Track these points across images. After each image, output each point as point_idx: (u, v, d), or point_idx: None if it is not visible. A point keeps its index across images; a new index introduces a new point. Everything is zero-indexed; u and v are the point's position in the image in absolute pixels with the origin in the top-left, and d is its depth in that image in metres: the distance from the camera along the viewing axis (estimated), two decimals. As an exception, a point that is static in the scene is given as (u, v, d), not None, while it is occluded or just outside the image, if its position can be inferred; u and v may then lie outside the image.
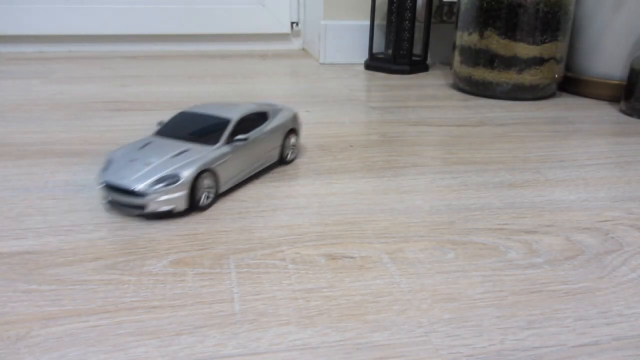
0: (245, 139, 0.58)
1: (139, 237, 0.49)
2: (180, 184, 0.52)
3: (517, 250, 0.48)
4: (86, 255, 0.46)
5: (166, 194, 0.51)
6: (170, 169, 0.52)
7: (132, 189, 0.51)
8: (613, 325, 0.39)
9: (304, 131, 0.80)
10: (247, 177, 0.61)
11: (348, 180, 0.63)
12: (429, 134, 0.81)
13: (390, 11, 1.25)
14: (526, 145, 0.77)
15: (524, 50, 0.99)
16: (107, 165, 0.54)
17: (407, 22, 1.22)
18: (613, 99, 1.03)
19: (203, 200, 0.54)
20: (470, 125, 0.86)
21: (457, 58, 1.08)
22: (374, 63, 1.28)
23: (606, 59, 1.01)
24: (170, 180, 0.52)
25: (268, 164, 0.64)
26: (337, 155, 0.71)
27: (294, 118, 0.68)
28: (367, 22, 1.33)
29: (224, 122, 0.59)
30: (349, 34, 1.33)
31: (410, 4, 1.20)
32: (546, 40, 0.99)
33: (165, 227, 0.51)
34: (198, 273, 0.44)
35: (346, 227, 0.52)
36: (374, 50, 1.33)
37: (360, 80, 1.17)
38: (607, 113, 0.95)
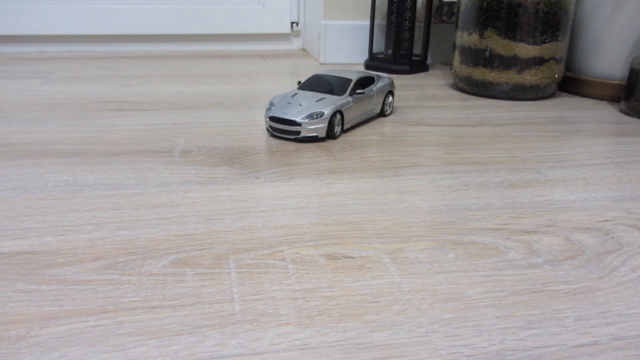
0: (362, 93, 0.81)
1: (139, 237, 0.49)
2: (323, 118, 0.74)
3: (517, 250, 0.48)
4: (86, 255, 0.46)
5: (314, 124, 0.74)
6: (316, 108, 0.75)
7: (292, 119, 0.74)
8: (613, 325, 0.39)
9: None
10: (359, 121, 0.84)
11: (348, 180, 0.63)
12: (429, 134, 0.81)
13: (390, 11, 1.25)
14: (526, 145, 0.77)
15: (524, 50, 0.99)
16: (270, 105, 0.77)
17: (407, 22, 1.22)
18: (613, 99, 1.03)
19: (336, 131, 0.77)
20: (470, 125, 0.86)
21: (457, 58, 1.08)
22: (374, 63, 1.28)
23: (606, 59, 1.01)
24: (317, 115, 0.74)
25: (373, 114, 0.87)
26: (337, 155, 0.71)
27: (392, 83, 0.90)
28: (367, 22, 1.33)
29: (348, 81, 0.81)
30: (349, 34, 1.33)
31: (410, 4, 1.20)
32: (546, 40, 0.99)
33: (165, 227, 0.51)
34: (198, 273, 0.44)
35: (346, 227, 0.52)
36: (374, 50, 1.33)
37: (360, 80, 1.17)
38: (607, 113, 0.95)
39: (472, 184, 0.63)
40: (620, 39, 0.99)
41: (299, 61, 1.37)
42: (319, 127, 0.74)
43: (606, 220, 0.55)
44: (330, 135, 0.76)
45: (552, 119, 0.90)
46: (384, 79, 0.89)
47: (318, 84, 0.82)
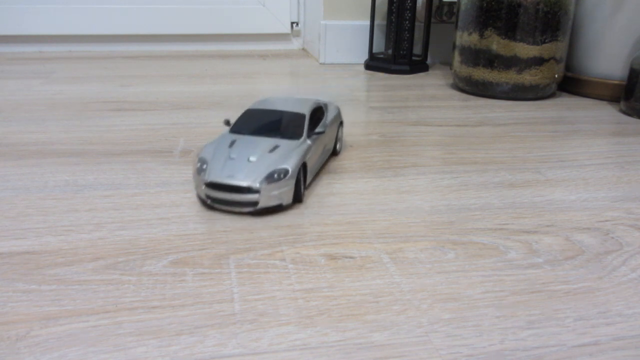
0: (322, 132, 0.60)
1: (139, 237, 0.49)
2: (289, 177, 0.53)
3: (517, 250, 0.48)
4: (86, 255, 0.46)
5: (277, 188, 0.53)
6: (274, 164, 0.54)
7: (244, 185, 0.52)
8: (613, 325, 0.39)
9: (304, 131, 0.80)
10: (317, 171, 0.63)
11: (348, 180, 0.63)
12: (429, 134, 0.81)
13: (390, 11, 1.25)
14: (526, 145, 0.77)
15: (524, 50, 0.99)
16: (203, 165, 0.55)
17: (407, 22, 1.22)
18: (613, 99, 1.03)
19: (303, 191, 0.57)
20: (470, 125, 0.86)
21: (457, 58, 1.08)
22: (374, 63, 1.28)
23: (606, 59, 1.01)
24: (279, 174, 0.53)
25: (327, 155, 0.67)
26: (337, 155, 0.71)
27: (340, 112, 0.71)
28: (367, 22, 1.33)
29: (300, 117, 0.61)
30: (349, 34, 1.33)
31: (410, 4, 1.20)
32: (546, 40, 0.99)
33: (165, 227, 0.51)
34: (198, 273, 0.44)
35: (346, 227, 0.52)
36: (374, 50, 1.33)
37: (360, 80, 1.17)
38: (607, 113, 0.95)
39: (472, 184, 0.63)
40: (620, 39, 0.99)
41: (299, 61, 1.37)
42: (284, 192, 0.53)
43: (606, 220, 0.55)
44: (297, 198, 0.56)
45: (552, 119, 0.90)
46: (331, 107, 0.70)
47: (259, 123, 0.61)
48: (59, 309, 0.39)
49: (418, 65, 1.26)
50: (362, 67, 1.31)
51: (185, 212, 0.54)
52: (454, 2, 1.35)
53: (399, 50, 1.23)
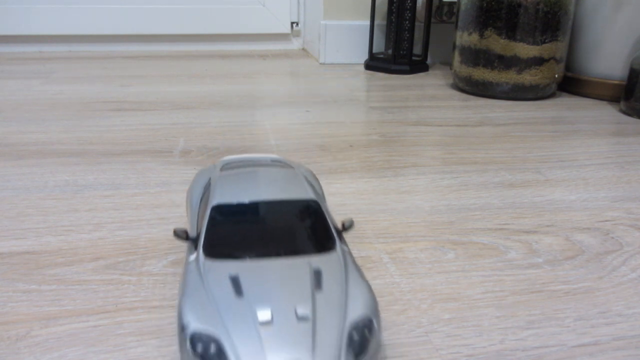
0: (352, 225, 0.38)
1: (139, 237, 0.49)
2: (377, 330, 0.30)
3: (517, 250, 0.48)
4: (86, 255, 0.46)
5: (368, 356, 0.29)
6: (344, 312, 0.29)
7: None
8: (613, 325, 0.39)
9: (304, 131, 0.80)
10: None
11: (348, 180, 0.63)
12: (429, 134, 0.81)
13: (390, 11, 1.25)
14: (526, 145, 0.77)
15: (524, 50, 0.99)
16: (217, 348, 0.27)
17: (407, 22, 1.22)
18: (613, 99, 1.03)
19: None
20: (470, 125, 0.86)
21: (457, 58, 1.08)
22: (374, 63, 1.28)
23: (606, 59, 1.01)
24: (364, 331, 0.29)
25: None
26: (337, 155, 0.71)
27: (315, 176, 0.47)
28: (367, 22, 1.33)
29: (312, 206, 0.36)
30: (349, 34, 1.33)
31: (410, 4, 1.20)
32: (546, 40, 0.99)
33: (165, 227, 0.51)
34: (198, 273, 0.44)
35: (346, 227, 0.52)
36: (374, 50, 1.33)
37: (360, 80, 1.17)
38: (607, 113, 0.95)
39: (472, 184, 0.63)
40: (620, 39, 0.99)
41: (299, 61, 1.37)
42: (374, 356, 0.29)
43: (606, 220, 0.55)
44: None
45: (552, 119, 0.90)
46: (300, 170, 0.44)
47: (250, 231, 0.34)
48: (59, 309, 0.39)
49: (418, 65, 1.26)
50: (362, 67, 1.31)
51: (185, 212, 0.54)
52: (454, 2, 1.35)
53: (399, 50, 1.23)
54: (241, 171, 0.40)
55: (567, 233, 0.52)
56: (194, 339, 0.28)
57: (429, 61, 1.38)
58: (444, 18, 1.36)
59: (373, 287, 0.43)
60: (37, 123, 0.82)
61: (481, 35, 1.01)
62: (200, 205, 0.39)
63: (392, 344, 0.36)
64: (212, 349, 0.27)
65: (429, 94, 1.06)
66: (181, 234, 0.35)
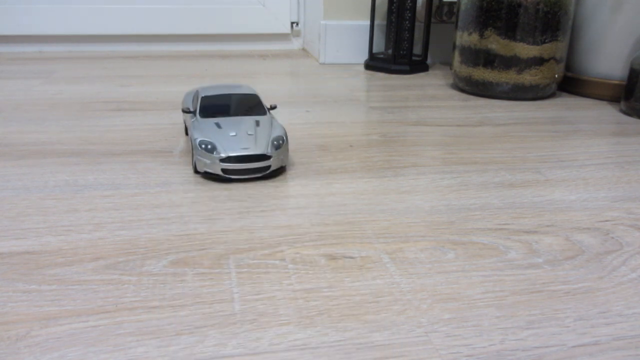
0: (275, 106, 0.71)
1: (139, 237, 0.49)
2: (286, 142, 0.64)
3: (517, 250, 0.48)
4: (86, 255, 0.46)
5: (281, 153, 0.63)
6: (270, 134, 0.63)
7: (261, 153, 0.61)
8: (613, 325, 0.39)
9: (304, 131, 0.80)
10: None
11: (348, 180, 0.63)
12: (429, 134, 0.81)
13: (390, 11, 1.25)
14: (526, 145, 0.77)
15: (524, 50, 0.99)
16: (208, 145, 0.61)
17: (407, 22, 1.22)
18: (613, 99, 1.03)
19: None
20: (470, 125, 0.86)
21: (457, 58, 1.08)
22: (374, 63, 1.28)
23: (606, 59, 1.01)
24: (280, 140, 0.63)
25: None
26: (337, 155, 0.71)
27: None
28: (367, 22, 1.33)
29: (254, 97, 0.70)
30: (348, 34, 1.33)
31: (410, 4, 1.20)
32: (546, 40, 0.99)
33: (165, 227, 0.51)
34: (198, 273, 0.44)
35: (346, 227, 0.52)
36: (374, 50, 1.33)
37: (360, 80, 1.17)
38: (607, 113, 0.95)
39: (472, 184, 0.63)
40: (620, 39, 0.99)
41: (299, 61, 1.37)
42: (284, 155, 0.64)
43: (606, 220, 0.55)
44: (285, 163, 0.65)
45: (552, 119, 0.90)
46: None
47: (223, 106, 0.68)
48: (59, 309, 0.39)
49: (418, 65, 1.26)
50: (362, 67, 1.31)
51: (185, 212, 0.54)
52: (454, 2, 1.35)
53: (399, 50, 1.23)
54: (210, 85, 0.73)
55: (567, 233, 0.52)
56: (201, 143, 0.61)
57: (429, 61, 1.38)
58: (444, 18, 1.36)
59: (373, 286, 0.43)
60: (37, 123, 0.82)
61: (481, 35, 1.01)
62: (192, 101, 0.72)
63: (392, 344, 0.36)
64: (209, 145, 0.61)
65: (429, 94, 1.06)
66: (187, 110, 0.68)
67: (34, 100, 0.94)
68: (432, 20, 1.34)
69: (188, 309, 0.39)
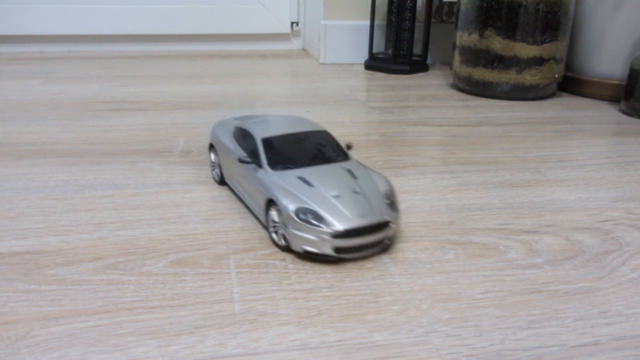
0: (351, 146, 0.55)
1: (139, 237, 0.49)
2: (394, 196, 0.48)
3: (517, 250, 0.48)
4: (86, 255, 0.46)
5: (398, 215, 0.48)
6: (376, 188, 0.47)
7: (386, 220, 0.45)
8: (613, 325, 0.39)
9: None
10: None
11: (348, 180, 0.63)
12: (429, 134, 0.80)
13: (390, 11, 1.25)
14: (526, 145, 0.77)
15: (524, 50, 0.99)
16: (315, 214, 0.44)
17: (407, 22, 1.22)
18: (613, 99, 1.03)
19: None
20: (470, 125, 0.86)
21: (457, 58, 1.08)
22: (374, 63, 1.28)
23: (606, 59, 1.01)
24: (390, 197, 0.47)
25: None
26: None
27: None
28: (367, 22, 1.33)
29: (325, 135, 0.53)
30: (348, 34, 1.33)
31: (410, 4, 1.20)
32: (546, 40, 0.99)
33: (165, 227, 0.51)
34: (198, 273, 0.44)
35: (346, 227, 0.52)
36: (374, 50, 1.33)
37: (360, 80, 1.17)
38: (607, 113, 0.95)
39: (472, 184, 0.63)
40: (620, 39, 0.99)
41: (299, 61, 1.37)
42: (397, 215, 0.47)
43: (606, 220, 0.55)
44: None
45: (552, 119, 0.90)
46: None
47: (293, 151, 0.51)
48: (59, 309, 0.39)
49: (418, 65, 1.26)
50: (362, 67, 1.31)
51: (185, 212, 0.54)
52: (454, 2, 1.35)
53: (399, 50, 1.23)
54: (258, 118, 0.57)
55: (567, 233, 0.52)
56: (298, 212, 0.44)
57: (429, 61, 1.38)
58: (444, 18, 1.36)
59: (373, 286, 0.43)
60: (37, 123, 0.82)
61: (481, 35, 1.01)
62: (232, 138, 0.56)
63: (392, 344, 0.36)
64: (312, 215, 0.44)
65: (429, 94, 1.06)
66: (245, 160, 0.50)
67: (34, 100, 0.94)
68: (432, 20, 1.34)
69: (188, 309, 0.39)
